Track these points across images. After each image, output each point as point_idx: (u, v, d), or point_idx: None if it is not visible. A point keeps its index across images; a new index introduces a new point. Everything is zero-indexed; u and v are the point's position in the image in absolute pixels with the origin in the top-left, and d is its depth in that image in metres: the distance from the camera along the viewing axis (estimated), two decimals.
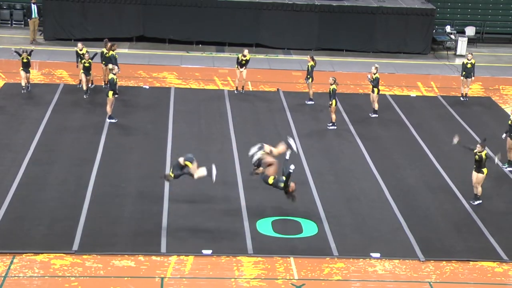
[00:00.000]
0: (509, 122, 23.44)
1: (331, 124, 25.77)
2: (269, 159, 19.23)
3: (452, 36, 37.27)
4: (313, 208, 20.06)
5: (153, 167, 22.09)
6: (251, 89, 29.74)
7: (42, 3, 34.59)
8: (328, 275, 17.30)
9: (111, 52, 27.78)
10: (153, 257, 17.54)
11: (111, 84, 25.03)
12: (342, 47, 35.71)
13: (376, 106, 27.12)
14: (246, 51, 28.55)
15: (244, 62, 28.39)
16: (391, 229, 19.34)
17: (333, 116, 25.74)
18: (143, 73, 31.05)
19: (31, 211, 19.15)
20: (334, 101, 25.36)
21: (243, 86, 28.94)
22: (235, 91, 28.96)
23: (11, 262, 17.01)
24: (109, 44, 27.95)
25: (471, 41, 37.42)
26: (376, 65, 27.05)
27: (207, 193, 20.65)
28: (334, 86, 25.32)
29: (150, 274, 16.92)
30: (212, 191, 20.71)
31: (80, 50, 27.84)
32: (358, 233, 19.10)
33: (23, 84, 27.39)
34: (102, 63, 28.18)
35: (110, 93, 24.95)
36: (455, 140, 21.70)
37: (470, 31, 38.58)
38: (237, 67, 28.51)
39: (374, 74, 26.74)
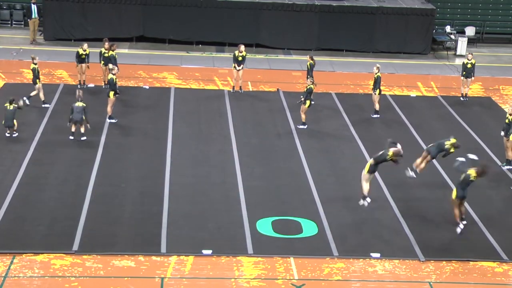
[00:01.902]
0: (506, 120, 23.43)
1: (301, 124, 25.64)
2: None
3: (452, 36, 37.25)
4: (313, 208, 20.06)
5: (153, 167, 22.09)
6: (251, 89, 29.72)
7: (42, 3, 34.58)
8: (328, 275, 17.29)
9: (110, 52, 27.78)
10: (153, 257, 17.53)
11: (111, 85, 25.00)
12: (342, 47, 35.70)
13: (377, 107, 27.08)
14: (242, 47, 28.44)
15: (240, 58, 28.33)
16: (391, 229, 19.34)
17: (303, 116, 25.58)
18: (143, 73, 31.03)
19: (31, 211, 19.15)
20: (308, 102, 25.27)
21: (240, 86, 28.93)
22: (232, 91, 28.94)
23: (11, 262, 17.00)
24: (108, 44, 27.92)
25: (471, 41, 37.40)
26: (378, 65, 27.00)
27: (207, 193, 20.67)
28: (311, 86, 25.28)
29: (150, 274, 16.91)
30: (212, 191, 20.73)
31: (84, 50, 27.81)
32: (358, 233, 19.09)
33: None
34: (101, 63, 28.17)
35: (111, 93, 24.93)
36: None
37: (470, 31, 38.56)
38: (234, 66, 28.47)
39: (376, 73, 26.71)
